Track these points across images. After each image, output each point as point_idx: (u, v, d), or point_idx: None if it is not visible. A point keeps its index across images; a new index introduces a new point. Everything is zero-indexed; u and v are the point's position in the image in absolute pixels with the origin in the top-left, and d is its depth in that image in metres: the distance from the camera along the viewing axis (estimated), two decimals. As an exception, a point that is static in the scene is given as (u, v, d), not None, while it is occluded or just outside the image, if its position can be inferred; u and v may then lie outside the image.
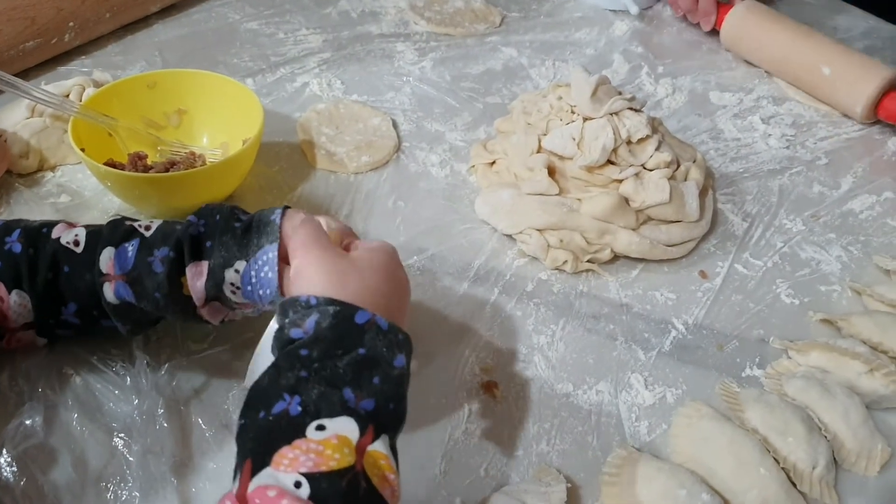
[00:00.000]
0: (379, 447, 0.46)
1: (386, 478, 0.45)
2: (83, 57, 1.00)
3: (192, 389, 0.63)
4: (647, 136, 0.77)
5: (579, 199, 0.76)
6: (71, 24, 0.96)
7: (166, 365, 0.64)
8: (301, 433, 0.44)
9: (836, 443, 0.62)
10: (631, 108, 0.78)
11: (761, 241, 0.81)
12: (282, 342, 0.50)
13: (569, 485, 0.58)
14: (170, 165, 0.77)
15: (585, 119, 0.77)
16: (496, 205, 0.78)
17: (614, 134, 0.76)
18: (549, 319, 0.71)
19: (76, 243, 0.59)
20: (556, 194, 0.76)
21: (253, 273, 0.55)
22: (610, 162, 0.77)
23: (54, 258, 0.58)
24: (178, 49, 1.03)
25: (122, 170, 0.76)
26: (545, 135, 0.79)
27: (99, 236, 0.59)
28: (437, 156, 0.88)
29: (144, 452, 0.58)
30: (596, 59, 1.06)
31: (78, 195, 0.81)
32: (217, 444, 0.60)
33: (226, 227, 0.57)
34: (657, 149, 0.78)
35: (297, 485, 0.42)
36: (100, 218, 0.78)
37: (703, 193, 0.80)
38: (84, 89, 0.85)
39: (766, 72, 1.05)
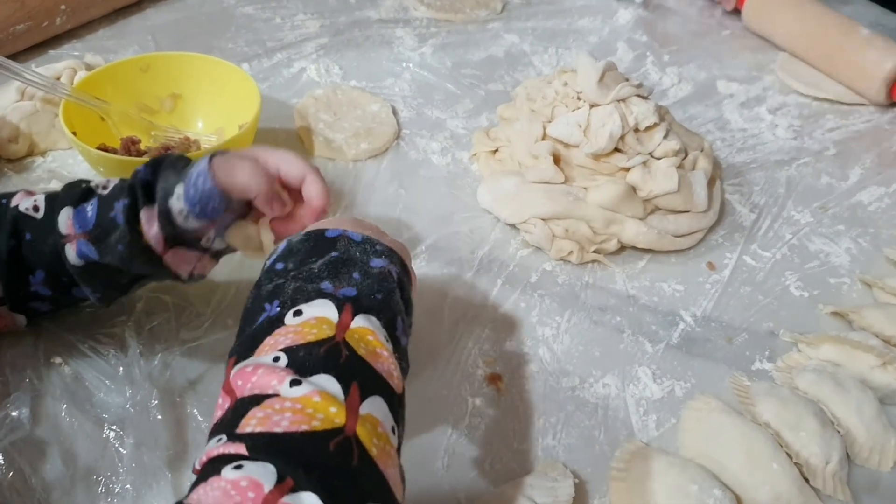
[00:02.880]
0: (363, 323, 0.44)
1: (377, 353, 0.44)
2: (74, 41, 0.98)
3: (187, 380, 0.61)
4: (655, 124, 0.76)
5: (585, 188, 0.74)
6: (62, 7, 0.94)
7: (159, 354, 0.62)
8: (280, 323, 0.44)
9: (848, 438, 0.61)
10: (638, 96, 0.77)
11: (769, 233, 0.80)
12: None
13: (576, 480, 0.56)
14: (164, 151, 0.75)
15: (592, 106, 0.75)
16: (499, 193, 0.76)
17: (622, 121, 0.74)
18: (553, 311, 0.70)
19: (35, 209, 0.57)
20: (562, 182, 0.74)
21: (192, 190, 0.53)
22: (617, 150, 0.75)
23: (15, 226, 0.56)
24: (172, 33, 1.00)
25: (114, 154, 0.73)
26: (550, 122, 0.77)
27: (56, 199, 0.57)
28: (437, 143, 0.86)
29: (137, 445, 0.55)
30: (599, 46, 1.04)
31: (69, 181, 0.78)
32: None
33: (170, 165, 0.55)
34: (665, 137, 0.76)
35: (276, 360, 0.42)
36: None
37: (710, 183, 0.78)
38: (76, 72, 0.82)
39: (787, 52, 1.04)
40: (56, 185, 0.76)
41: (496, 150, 0.81)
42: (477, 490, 0.56)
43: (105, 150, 0.74)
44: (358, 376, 0.42)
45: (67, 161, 0.80)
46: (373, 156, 0.84)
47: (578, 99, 0.77)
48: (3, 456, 0.54)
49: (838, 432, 0.60)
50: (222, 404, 0.42)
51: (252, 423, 0.39)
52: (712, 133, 0.92)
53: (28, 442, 0.55)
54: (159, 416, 0.57)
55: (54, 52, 0.95)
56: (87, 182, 0.59)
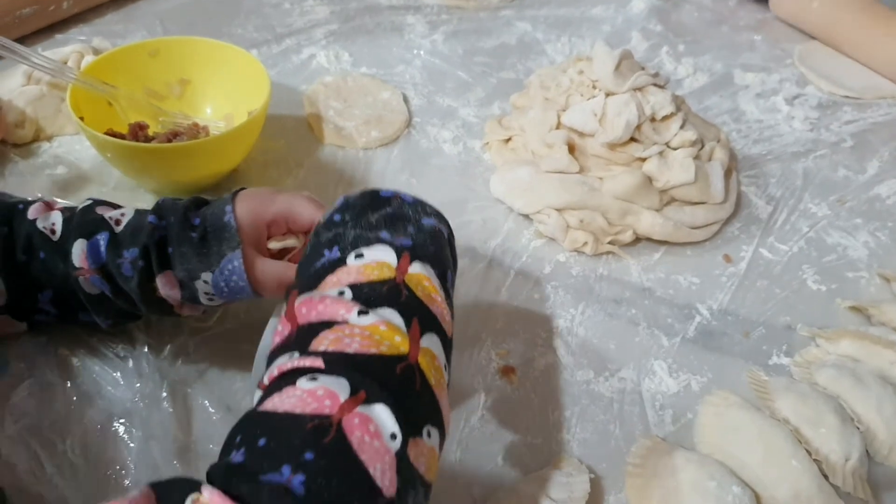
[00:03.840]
0: (419, 269, 0.46)
1: (432, 297, 0.46)
2: (81, 25, 0.96)
3: (197, 371, 0.60)
4: (672, 114, 0.74)
5: (600, 178, 0.73)
6: (69, -10, 0.93)
7: (168, 346, 0.61)
8: (342, 264, 0.46)
9: (868, 434, 0.60)
10: (655, 85, 0.75)
11: (786, 226, 0.78)
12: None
13: (591, 475, 0.55)
14: (172, 136, 0.74)
15: (608, 94, 0.74)
16: (513, 183, 0.75)
17: (638, 110, 0.73)
18: (567, 303, 0.68)
19: (52, 231, 0.55)
20: (577, 172, 0.73)
21: (223, 283, 0.53)
22: (633, 139, 0.74)
23: (29, 241, 0.55)
24: (180, 18, 0.99)
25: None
26: (564, 110, 0.76)
27: (71, 223, 0.55)
28: (449, 132, 0.85)
29: (146, 438, 0.54)
30: (613, 36, 1.03)
31: (75, 167, 0.77)
32: (224, 428, 0.56)
33: (181, 235, 0.53)
34: (682, 127, 0.75)
35: (341, 293, 0.44)
36: (98, 192, 0.75)
37: (726, 175, 0.77)
38: (83, 57, 0.81)
39: (817, 39, 1.03)
40: (63, 171, 0.77)
41: (509, 139, 0.80)
42: (491, 485, 0.55)
43: (113, 135, 0.72)
44: (417, 314, 0.44)
45: (74, 147, 0.79)
46: (383, 144, 0.83)
47: (594, 87, 0.75)
48: (17, 441, 0.53)
49: (858, 429, 0.59)
50: (282, 331, 0.44)
51: (325, 343, 0.41)
52: (727, 124, 0.90)
53: (37, 431, 0.54)
54: (169, 409, 0.56)
55: (61, 36, 0.94)
56: (105, 206, 0.56)
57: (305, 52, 0.95)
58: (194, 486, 0.34)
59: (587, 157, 0.74)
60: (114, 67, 0.76)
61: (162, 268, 0.53)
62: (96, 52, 0.83)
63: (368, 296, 0.44)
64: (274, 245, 0.56)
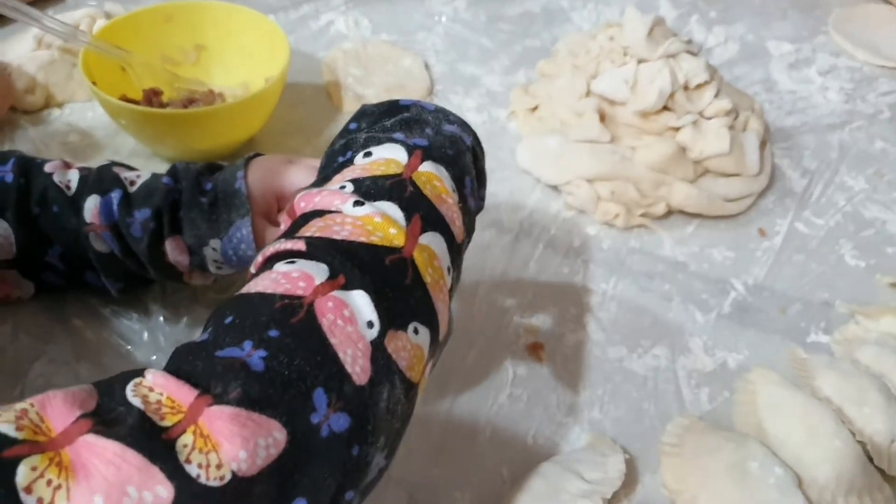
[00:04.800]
0: (431, 169, 0.43)
1: (442, 197, 0.42)
2: (93, -12, 0.93)
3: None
4: (706, 82, 0.71)
5: (632, 148, 0.70)
6: (80, -47, 0.90)
7: (185, 318, 0.59)
8: (350, 164, 0.43)
9: (914, 416, 0.57)
10: (688, 52, 0.72)
11: (822, 199, 0.76)
12: None
13: (626, 455, 0.53)
14: (188, 103, 0.71)
15: (639, 61, 0.71)
16: (541, 152, 0.72)
17: (671, 78, 0.70)
18: (598, 277, 0.66)
19: (67, 186, 0.54)
20: (608, 142, 0.70)
21: (231, 251, 0.52)
22: (665, 108, 0.71)
23: (44, 194, 0.53)
24: (195, -17, 0.96)
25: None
26: (594, 78, 0.73)
27: (87, 181, 0.54)
28: (473, 100, 0.82)
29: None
30: (641, 4, 0.98)
31: (88, 135, 0.75)
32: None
33: (192, 200, 0.52)
34: (716, 96, 0.72)
35: (342, 188, 0.41)
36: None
37: (761, 146, 0.74)
38: (94, 21, 0.79)
39: None
40: (75, 139, 0.74)
41: (535, 108, 0.77)
42: (520, 465, 0.53)
43: (127, 101, 0.70)
44: (420, 210, 0.40)
45: (87, 114, 0.77)
46: (406, 112, 0.80)
47: (625, 54, 0.72)
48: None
49: (903, 409, 0.57)
50: (283, 229, 0.42)
51: (312, 230, 0.39)
52: (759, 94, 0.87)
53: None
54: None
55: None
56: (121, 167, 0.56)
57: (324, 18, 0.92)
58: (138, 374, 0.32)
59: (618, 126, 0.71)
60: (127, 32, 0.74)
61: (172, 231, 0.52)
62: (108, 16, 0.80)
63: (369, 188, 0.41)
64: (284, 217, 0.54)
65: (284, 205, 0.54)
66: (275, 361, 0.32)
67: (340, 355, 0.34)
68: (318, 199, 0.41)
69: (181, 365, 0.32)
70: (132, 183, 0.54)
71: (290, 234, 0.40)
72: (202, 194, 0.52)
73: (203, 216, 0.52)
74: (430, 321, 0.39)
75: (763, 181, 0.74)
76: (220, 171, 0.55)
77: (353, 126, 0.48)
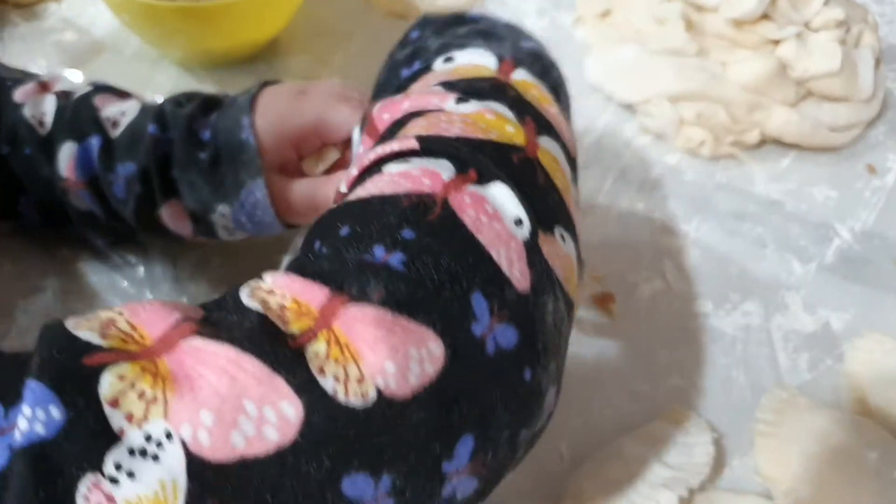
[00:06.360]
0: (526, 77, 0.35)
1: (545, 106, 0.34)
2: None
3: (222, 288, 0.49)
4: (816, -15, 0.60)
5: (724, 63, 0.59)
6: None
7: (189, 258, 0.50)
8: (428, 71, 0.36)
9: None
10: (794, -52, 0.60)
11: (941, 131, 0.64)
12: None
13: (714, 434, 0.44)
14: (199, -5, 0.61)
15: (737, -42, 0.59)
16: (613, 66, 0.62)
17: (775, -22, 0.58)
18: (679, 216, 0.56)
19: (41, 123, 0.44)
20: (695, 55, 0.59)
21: (244, 218, 0.43)
22: (765, 16, 0.60)
23: (14, 131, 0.44)
24: None
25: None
26: (680, -23, 0.61)
27: (64, 115, 0.44)
28: (532, 3, 0.71)
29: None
30: None
31: (87, 33, 0.66)
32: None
33: (187, 156, 0.42)
34: (825, 4, 0.60)
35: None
36: (113, 63, 0.63)
37: (874, 67, 0.63)
38: None
39: None
40: (71, 38, 0.65)
41: (608, 13, 0.66)
42: (584, 441, 0.44)
43: (130, -7, 0.60)
44: (531, 113, 0.33)
45: (87, 9, 0.67)
46: (452, 15, 0.69)
47: (718, -51, 0.61)
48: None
49: None
50: (363, 152, 0.33)
51: (416, 129, 0.31)
52: (871, 6, 0.74)
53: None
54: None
55: None
56: (106, 92, 0.45)
57: None
58: (253, 279, 0.26)
59: (707, 37, 0.61)
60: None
61: (166, 195, 0.43)
62: None
63: (467, 87, 0.33)
64: (313, 166, 0.44)
65: (303, 148, 0.43)
66: (417, 263, 0.25)
67: (493, 255, 0.27)
68: (409, 104, 0.33)
69: (304, 264, 0.26)
70: (115, 124, 0.43)
71: (382, 140, 0.32)
72: (199, 147, 0.42)
73: (203, 178, 0.42)
74: (572, 231, 0.32)
75: (874, 108, 0.63)
76: (218, 108, 0.44)
77: (414, 35, 0.40)
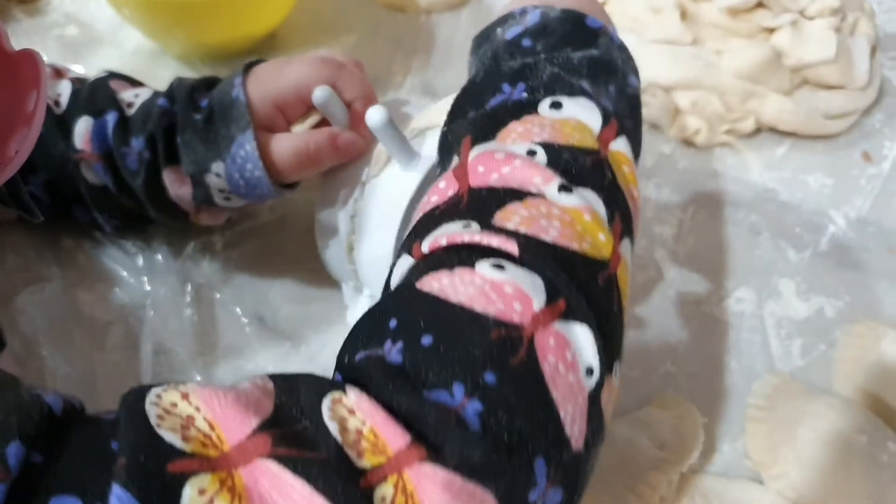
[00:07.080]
0: (623, 148, 0.35)
1: (632, 191, 0.34)
2: None
3: (225, 274, 0.50)
4: (811, -27, 0.60)
5: (718, 52, 0.59)
6: None
7: (192, 243, 0.51)
8: (532, 110, 0.35)
9: None
10: (790, -64, 0.60)
11: (937, 118, 0.64)
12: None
13: (704, 419, 0.45)
14: (200, -11, 0.62)
15: (732, -54, 0.60)
16: (609, 56, 0.62)
17: (770, -34, 0.58)
18: (673, 205, 0.56)
19: (56, 103, 0.46)
20: (690, 44, 0.59)
21: (237, 175, 0.44)
22: (760, 5, 0.60)
23: None
24: None
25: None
26: (675, -33, 0.61)
27: (79, 95, 0.46)
28: (529, -7, 0.71)
29: (157, 352, 0.45)
30: None
31: (88, 27, 0.67)
32: (256, 341, 0.47)
33: (186, 119, 0.45)
34: (820, -9, 0.61)
35: (531, 153, 0.33)
36: (114, 57, 0.64)
37: (871, 54, 0.63)
38: None
39: None
40: (73, 33, 0.66)
41: (604, 3, 0.66)
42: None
43: (130, -13, 0.61)
44: (620, 208, 0.33)
45: (88, 4, 0.68)
46: (451, 7, 0.70)
47: (713, -62, 0.61)
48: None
49: None
50: (444, 189, 0.33)
51: (515, 219, 0.30)
52: (866, -7, 0.75)
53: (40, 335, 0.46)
54: (194, 317, 0.47)
55: None
56: (120, 80, 0.48)
57: None
58: (335, 385, 0.26)
59: (702, 26, 0.61)
60: None
61: (169, 161, 0.44)
62: None
63: (569, 166, 0.32)
64: (299, 129, 0.46)
65: (288, 112, 0.45)
66: (492, 419, 0.26)
67: (561, 414, 0.27)
68: (509, 172, 0.32)
69: (379, 393, 0.26)
70: (130, 105, 0.46)
71: (477, 213, 0.31)
72: (197, 111, 0.45)
73: (199, 136, 0.44)
74: (622, 354, 0.32)
75: (870, 96, 0.63)
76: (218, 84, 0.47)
77: (527, 44, 0.38)
